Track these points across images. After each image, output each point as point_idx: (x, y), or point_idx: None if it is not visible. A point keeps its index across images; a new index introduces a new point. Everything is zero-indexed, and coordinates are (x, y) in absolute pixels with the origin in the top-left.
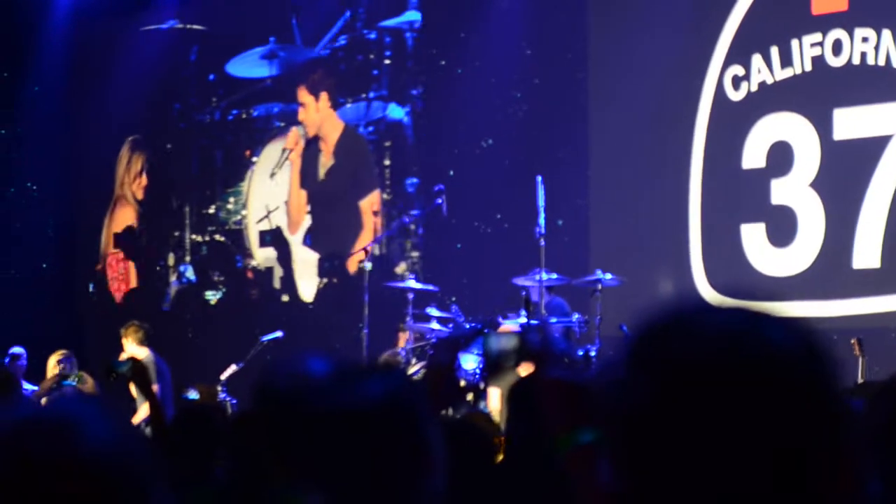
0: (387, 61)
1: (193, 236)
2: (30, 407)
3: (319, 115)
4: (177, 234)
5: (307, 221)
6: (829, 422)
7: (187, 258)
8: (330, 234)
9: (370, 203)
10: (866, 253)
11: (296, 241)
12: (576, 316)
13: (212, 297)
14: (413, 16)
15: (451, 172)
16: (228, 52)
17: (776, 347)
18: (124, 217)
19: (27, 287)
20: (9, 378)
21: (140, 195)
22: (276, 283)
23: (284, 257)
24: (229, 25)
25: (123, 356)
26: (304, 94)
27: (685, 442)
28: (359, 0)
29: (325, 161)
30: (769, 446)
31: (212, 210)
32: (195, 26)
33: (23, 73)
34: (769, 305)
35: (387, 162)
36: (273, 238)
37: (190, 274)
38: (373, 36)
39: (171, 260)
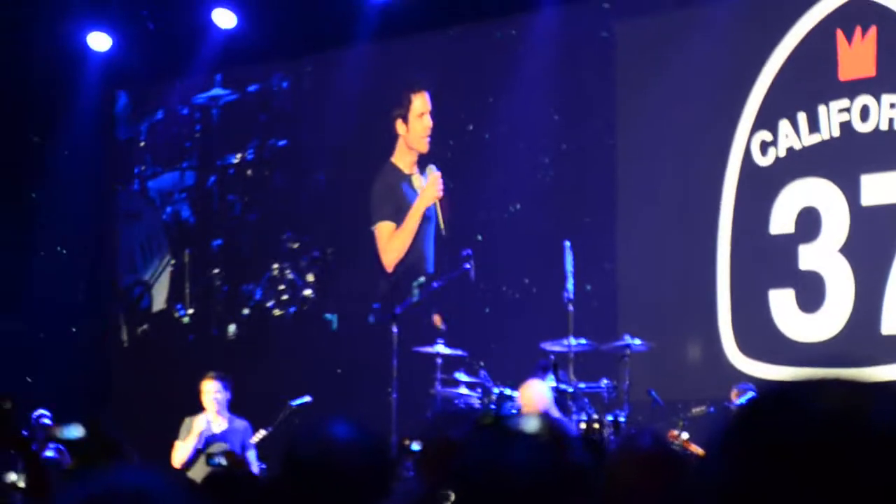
0: (197, 134)
1: None
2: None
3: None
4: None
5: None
6: None
7: None
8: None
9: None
10: (895, 318)
11: None
12: (604, 381)
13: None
14: (218, 91)
15: (479, 237)
16: None
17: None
18: None
19: (56, 351)
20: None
21: None
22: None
23: None
24: None
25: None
26: (421, 102)
27: None
28: (174, 85)
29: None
30: None
31: None
32: None
33: (53, 137)
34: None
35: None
36: None
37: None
38: (185, 111)
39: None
